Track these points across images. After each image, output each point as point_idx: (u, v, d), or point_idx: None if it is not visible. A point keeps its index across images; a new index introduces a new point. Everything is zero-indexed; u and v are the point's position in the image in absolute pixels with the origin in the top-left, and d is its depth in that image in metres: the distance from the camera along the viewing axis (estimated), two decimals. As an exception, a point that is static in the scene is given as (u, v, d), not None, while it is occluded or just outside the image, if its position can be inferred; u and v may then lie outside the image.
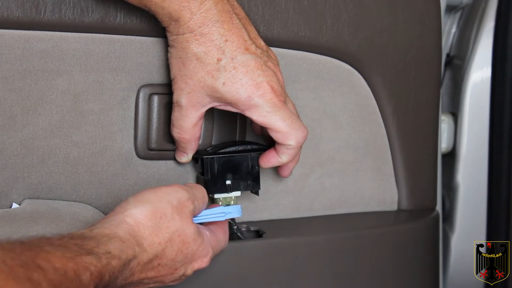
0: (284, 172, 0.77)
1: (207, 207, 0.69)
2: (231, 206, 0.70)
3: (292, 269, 0.80)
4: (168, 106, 0.74)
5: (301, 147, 0.72)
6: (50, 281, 0.47)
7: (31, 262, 0.47)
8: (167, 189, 0.64)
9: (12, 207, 0.70)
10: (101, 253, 0.53)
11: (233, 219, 0.78)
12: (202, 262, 0.65)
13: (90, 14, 0.69)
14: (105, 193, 0.75)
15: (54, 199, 0.73)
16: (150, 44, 0.73)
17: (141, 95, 0.74)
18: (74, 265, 0.50)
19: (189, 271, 0.65)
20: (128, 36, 0.72)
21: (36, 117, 0.70)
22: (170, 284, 0.65)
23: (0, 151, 0.70)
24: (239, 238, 0.78)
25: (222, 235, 0.69)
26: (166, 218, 0.61)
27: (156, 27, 0.70)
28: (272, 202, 0.83)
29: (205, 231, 0.67)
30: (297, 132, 0.70)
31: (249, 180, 0.76)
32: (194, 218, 0.66)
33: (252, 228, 0.81)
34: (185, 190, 0.65)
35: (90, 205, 0.74)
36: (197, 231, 0.64)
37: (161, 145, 0.76)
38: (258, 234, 0.80)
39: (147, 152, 0.76)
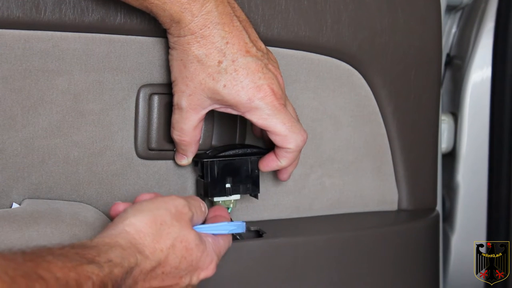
0: (283, 175, 0.77)
1: (212, 221, 0.69)
2: (235, 223, 0.69)
3: (292, 269, 0.80)
4: (168, 106, 0.74)
5: (300, 151, 0.72)
6: None
7: (32, 273, 0.47)
8: (163, 198, 0.64)
9: (12, 207, 0.70)
10: (102, 262, 0.53)
11: (231, 219, 0.78)
12: (207, 270, 0.65)
13: (90, 14, 0.69)
14: (105, 193, 0.75)
15: (54, 199, 0.72)
16: (150, 44, 0.73)
17: (141, 95, 0.74)
18: (76, 274, 0.50)
19: (195, 280, 0.64)
20: (128, 36, 0.72)
21: (36, 117, 0.70)
22: None
23: (0, 151, 0.69)
24: (236, 239, 0.78)
25: (224, 240, 0.69)
26: (166, 224, 0.61)
27: (156, 27, 0.70)
28: (272, 202, 0.83)
29: (207, 238, 0.66)
30: (297, 135, 0.70)
31: (248, 183, 0.76)
32: (197, 228, 0.65)
33: (252, 228, 0.81)
34: (181, 198, 0.64)
35: (90, 205, 0.74)
36: (198, 237, 0.63)
37: (161, 145, 0.76)
38: (258, 234, 0.80)
39: (147, 152, 0.76)
